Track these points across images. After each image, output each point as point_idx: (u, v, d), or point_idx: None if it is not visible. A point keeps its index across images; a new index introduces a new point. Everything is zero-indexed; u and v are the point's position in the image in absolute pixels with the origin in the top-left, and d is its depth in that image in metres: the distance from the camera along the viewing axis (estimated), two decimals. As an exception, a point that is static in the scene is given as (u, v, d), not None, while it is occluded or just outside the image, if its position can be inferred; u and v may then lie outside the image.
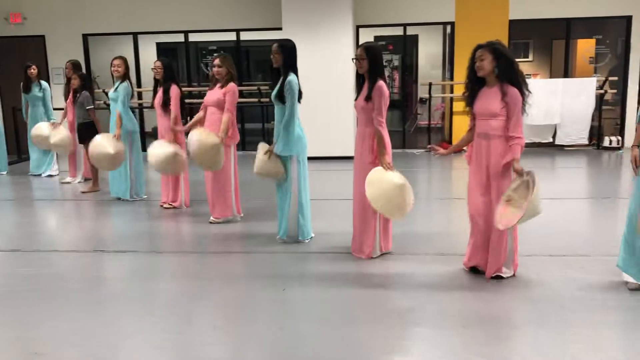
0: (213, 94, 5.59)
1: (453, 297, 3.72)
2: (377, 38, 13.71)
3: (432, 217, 5.97)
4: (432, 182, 8.45)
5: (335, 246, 4.84)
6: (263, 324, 3.40)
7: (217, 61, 5.57)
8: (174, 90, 6.29)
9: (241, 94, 11.85)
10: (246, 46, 12.37)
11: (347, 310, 3.60)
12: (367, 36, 11.82)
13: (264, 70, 13.68)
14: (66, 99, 7.89)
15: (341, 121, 9.73)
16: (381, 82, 4.23)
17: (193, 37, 11.60)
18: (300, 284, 4.03)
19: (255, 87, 11.06)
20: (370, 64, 4.25)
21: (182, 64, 12.29)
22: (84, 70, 8.40)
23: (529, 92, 3.76)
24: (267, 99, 11.15)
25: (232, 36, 11.24)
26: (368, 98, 4.25)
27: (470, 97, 3.96)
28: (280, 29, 9.68)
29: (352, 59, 4.46)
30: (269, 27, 10.53)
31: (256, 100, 11.02)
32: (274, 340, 3.17)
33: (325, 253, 4.69)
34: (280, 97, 4.70)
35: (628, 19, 10.18)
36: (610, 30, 11.12)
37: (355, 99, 4.43)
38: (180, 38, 11.40)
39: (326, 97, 9.61)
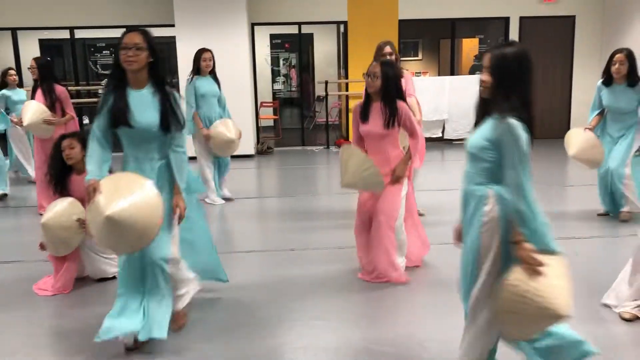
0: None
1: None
2: (272, 36, 13.76)
3: (333, 212, 6.08)
4: (332, 178, 8.60)
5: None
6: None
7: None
8: (63, 91, 5.91)
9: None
10: (138, 43, 11.95)
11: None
12: (262, 34, 11.83)
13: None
14: None
15: (238, 120, 9.63)
16: (402, 103, 3.84)
17: (80, 34, 11.01)
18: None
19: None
20: (385, 82, 3.80)
21: (69, 62, 11.64)
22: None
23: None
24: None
25: (121, 33, 10.79)
26: (390, 124, 3.80)
27: None
28: (172, 25, 9.44)
29: (364, 74, 3.89)
30: (160, 23, 10.22)
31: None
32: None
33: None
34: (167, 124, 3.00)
35: (506, 20, 10.91)
36: (491, 30, 11.87)
37: (363, 122, 3.90)
38: (65, 34, 10.79)
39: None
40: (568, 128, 11.09)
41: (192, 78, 6.24)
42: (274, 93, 14.46)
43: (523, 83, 2.28)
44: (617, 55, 5.00)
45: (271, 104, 12.89)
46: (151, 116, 2.95)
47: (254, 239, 5.21)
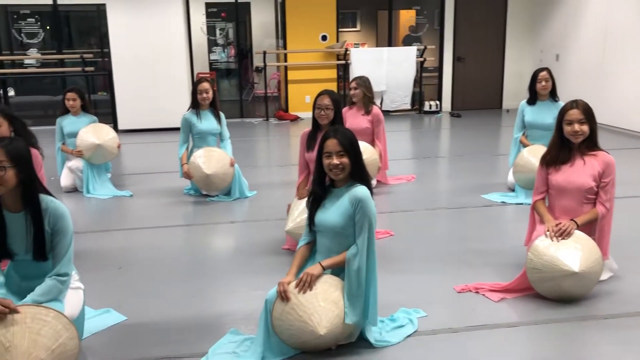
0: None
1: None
2: (208, 5, 13.42)
3: (274, 185, 6.08)
4: (272, 150, 8.58)
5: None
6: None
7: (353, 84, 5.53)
8: None
9: (63, 63, 10.92)
10: (65, 11, 11.41)
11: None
12: (197, 3, 11.50)
13: (88, 36, 12.75)
14: None
15: (173, 91, 9.43)
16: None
17: (2, 0, 10.38)
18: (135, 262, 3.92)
19: (78, 56, 10.22)
20: (337, 112, 3.87)
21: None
22: None
23: None
24: (92, 68, 10.42)
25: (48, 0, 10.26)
26: None
27: None
28: (102, -8, 9.02)
29: (315, 108, 3.89)
30: (89, -10, 9.77)
31: (80, 69, 10.18)
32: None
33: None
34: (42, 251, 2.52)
35: (441, -8, 11.04)
36: (428, 2, 11.99)
37: (309, 151, 3.88)
38: (-15, 0, 10.14)
39: (157, 67, 9.24)
40: (501, 99, 11.49)
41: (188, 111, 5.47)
42: (211, 63, 14.16)
43: None
44: (542, 74, 5.14)
45: (208, 75, 12.63)
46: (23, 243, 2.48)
47: (196, 212, 5.15)
